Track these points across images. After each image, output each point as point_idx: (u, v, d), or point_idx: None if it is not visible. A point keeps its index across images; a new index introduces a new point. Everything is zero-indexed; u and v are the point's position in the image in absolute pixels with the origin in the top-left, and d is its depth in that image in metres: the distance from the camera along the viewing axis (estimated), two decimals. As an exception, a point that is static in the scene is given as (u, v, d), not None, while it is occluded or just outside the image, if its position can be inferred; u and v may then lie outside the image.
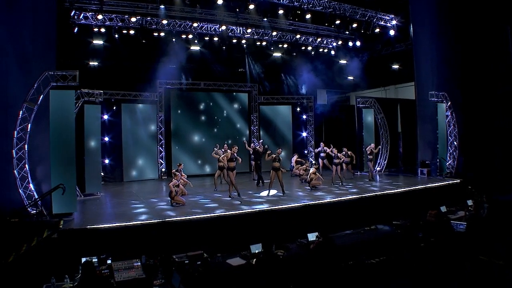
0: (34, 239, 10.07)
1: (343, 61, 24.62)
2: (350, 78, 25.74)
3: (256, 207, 12.17)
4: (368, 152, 18.49)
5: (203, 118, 22.10)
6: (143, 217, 11.38)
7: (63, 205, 11.73)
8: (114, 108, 19.79)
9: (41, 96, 11.95)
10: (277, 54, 23.24)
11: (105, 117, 19.64)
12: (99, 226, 10.58)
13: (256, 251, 9.07)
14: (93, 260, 8.34)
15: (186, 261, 8.56)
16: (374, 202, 13.31)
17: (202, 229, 10.75)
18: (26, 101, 11.78)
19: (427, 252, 8.44)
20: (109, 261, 8.33)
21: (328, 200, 13.07)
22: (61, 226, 10.81)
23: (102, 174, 19.10)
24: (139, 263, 8.12)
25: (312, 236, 9.81)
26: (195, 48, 20.59)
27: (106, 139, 19.63)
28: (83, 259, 8.19)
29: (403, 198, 14.03)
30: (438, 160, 18.33)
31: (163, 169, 20.79)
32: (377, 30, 19.58)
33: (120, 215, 11.73)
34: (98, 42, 18.79)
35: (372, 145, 18.78)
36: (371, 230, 10.82)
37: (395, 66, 25.11)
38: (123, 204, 13.67)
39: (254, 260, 8.57)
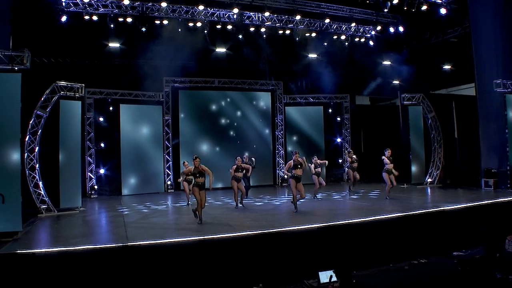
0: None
1: (386, 62, 21.01)
2: (396, 82, 21.89)
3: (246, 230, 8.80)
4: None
5: (217, 122, 19.01)
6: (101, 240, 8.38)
7: (3, 222, 9.01)
8: (111, 109, 17.06)
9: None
10: (312, 56, 20.04)
11: (101, 119, 17.02)
12: (34, 251, 7.81)
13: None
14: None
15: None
16: (423, 223, 9.46)
17: (161, 260, 7.53)
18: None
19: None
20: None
21: (353, 221, 9.28)
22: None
23: (96, 187, 16.44)
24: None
25: (325, 276, 6.33)
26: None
27: (102, 145, 16.96)
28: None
29: (466, 217, 10.04)
30: (508, 168, 14.23)
31: (169, 182, 17.76)
32: (424, 7, 15.78)
33: (72, 238, 8.77)
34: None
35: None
36: (420, 265, 7.23)
37: (447, 67, 21.12)
38: (95, 223, 11.22)
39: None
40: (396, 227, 8.96)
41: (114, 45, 17.11)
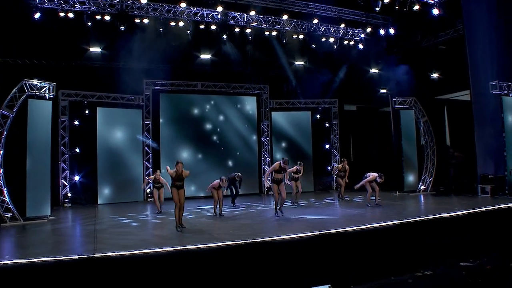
0: None
1: (374, 70, 20.54)
2: (383, 91, 21.25)
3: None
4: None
5: (199, 127, 18.04)
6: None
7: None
8: (87, 112, 16.04)
9: None
10: (300, 58, 19.47)
11: (76, 123, 16.01)
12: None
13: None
14: None
15: None
16: (426, 231, 8.62)
17: (135, 274, 6.59)
18: None
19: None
20: None
21: (350, 229, 8.36)
22: None
23: (69, 194, 15.38)
24: None
25: (319, 291, 5.45)
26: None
27: (77, 150, 15.92)
28: None
29: (472, 225, 9.21)
30: (506, 174, 13.58)
31: (149, 190, 16.72)
32: (416, 7, 15.16)
33: (34, 249, 7.83)
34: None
35: None
36: (424, 278, 6.40)
37: (435, 75, 20.58)
38: (62, 234, 10.16)
39: None
40: (397, 235, 8.12)
41: (94, 48, 16.28)
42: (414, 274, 6.37)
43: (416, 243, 7.90)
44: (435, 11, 15.25)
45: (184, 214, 10.19)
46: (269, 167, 18.83)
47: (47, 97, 12.16)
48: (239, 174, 14.29)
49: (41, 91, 11.98)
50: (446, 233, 8.45)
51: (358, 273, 6.49)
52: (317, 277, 5.73)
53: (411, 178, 16.57)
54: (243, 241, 7.51)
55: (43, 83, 12.01)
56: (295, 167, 13.73)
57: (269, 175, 11.53)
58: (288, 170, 11.59)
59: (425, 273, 6.42)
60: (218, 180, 12.10)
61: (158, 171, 13.25)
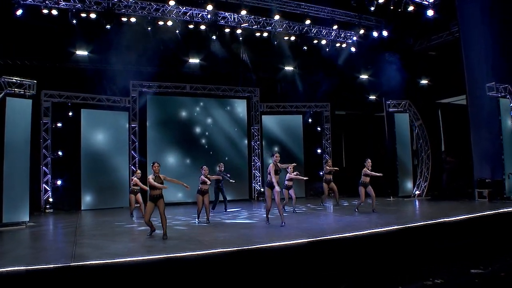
0: None
1: (365, 76, 20.28)
2: (373, 97, 20.90)
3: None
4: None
5: (188, 130, 17.46)
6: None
7: None
8: (71, 114, 15.41)
9: None
10: (289, 68, 19.19)
11: (59, 125, 15.36)
12: None
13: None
14: None
15: None
16: (432, 236, 8.13)
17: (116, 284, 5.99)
18: None
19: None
20: None
21: (350, 235, 7.81)
22: None
23: (51, 200, 14.67)
24: None
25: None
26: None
27: (60, 153, 15.25)
28: None
29: (476, 229, 8.76)
30: (505, 177, 13.21)
31: (135, 194, 16.09)
32: (411, 8, 14.84)
33: (6, 257, 7.16)
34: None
35: None
36: (435, 286, 5.91)
37: (427, 80, 20.29)
38: (40, 241, 9.46)
39: None
40: (399, 241, 7.61)
41: (80, 50, 15.79)
42: (424, 283, 5.87)
43: (421, 249, 7.42)
44: (430, 13, 14.96)
45: (169, 220, 9.64)
46: (259, 172, 18.36)
47: (27, 95, 11.54)
48: (221, 163, 14.03)
49: (20, 89, 11.37)
50: (453, 238, 8.00)
51: (361, 282, 5.98)
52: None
53: (405, 183, 16.17)
54: (235, 248, 6.96)
55: (22, 80, 11.40)
56: (288, 174, 13.02)
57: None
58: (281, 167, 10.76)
59: (436, 281, 5.93)
60: (202, 175, 11.37)
61: (139, 171, 12.87)
